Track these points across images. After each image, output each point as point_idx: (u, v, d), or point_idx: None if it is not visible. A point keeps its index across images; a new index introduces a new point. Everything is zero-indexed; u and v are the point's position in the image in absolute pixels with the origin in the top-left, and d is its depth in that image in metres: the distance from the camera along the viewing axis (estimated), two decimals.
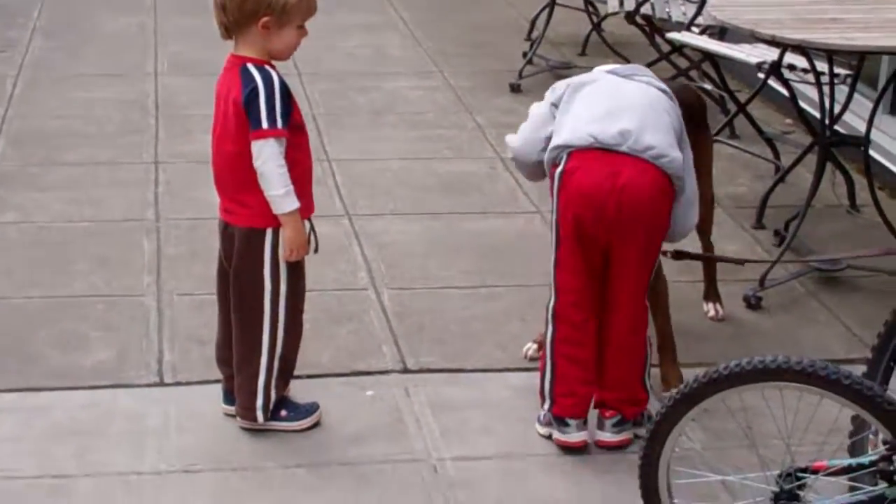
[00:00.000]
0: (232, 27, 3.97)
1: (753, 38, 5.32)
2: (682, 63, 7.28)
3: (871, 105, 6.52)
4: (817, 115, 6.03)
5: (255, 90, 3.91)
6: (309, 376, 4.60)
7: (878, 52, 5.36)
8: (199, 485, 4.01)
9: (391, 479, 4.06)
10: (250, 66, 3.94)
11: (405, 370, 4.71)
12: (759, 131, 6.53)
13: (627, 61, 8.14)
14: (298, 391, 4.45)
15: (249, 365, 4.16)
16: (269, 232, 4.03)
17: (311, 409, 4.30)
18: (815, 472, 3.23)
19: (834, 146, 5.50)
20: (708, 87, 7.26)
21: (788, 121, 7.37)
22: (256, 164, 3.92)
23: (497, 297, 5.25)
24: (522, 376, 4.64)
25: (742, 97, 6.65)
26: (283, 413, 4.25)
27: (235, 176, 4.02)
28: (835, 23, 5.19)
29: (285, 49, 4.01)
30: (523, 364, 4.73)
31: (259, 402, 4.17)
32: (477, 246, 5.71)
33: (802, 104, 5.99)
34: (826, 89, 5.40)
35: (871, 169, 5.57)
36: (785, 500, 3.21)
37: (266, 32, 3.93)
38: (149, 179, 6.33)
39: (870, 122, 5.49)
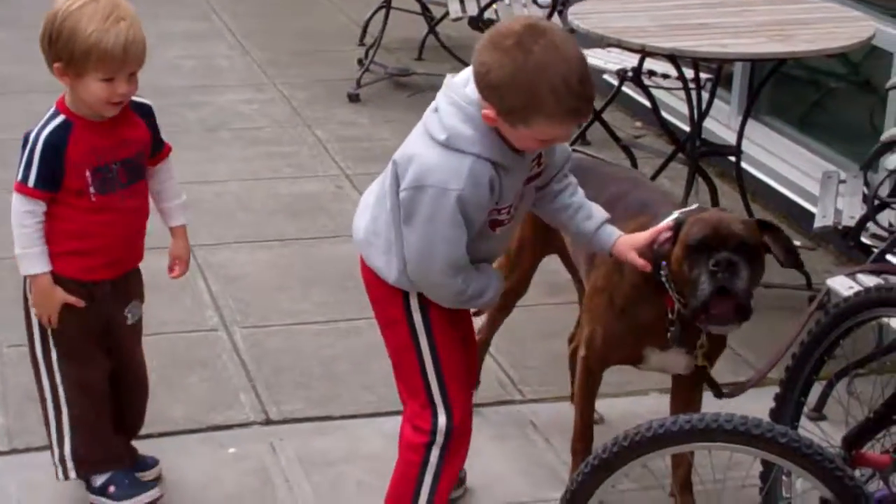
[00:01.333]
0: (47, 63, 3.57)
1: (607, 44, 5.09)
2: None
3: (728, 109, 6.37)
4: (673, 119, 5.87)
5: (26, 138, 3.54)
6: (161, 434, 4.19)
7: (754, 60, 5.12)
8: None
9: None
10: (50, 109, 3.58)
11: (268, 421, 4.32)
12: (616, 138, 6.28)
13: (466, 65, 7.85)
14: (152, 450, 4.03)
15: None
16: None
17: (144, 487, 3.83)
18: None
19: (704, 157, 5.26)
20: None
21: (638, 124, 7.17)
22: None
23: (358, 331, 4.87)
24: (395, 421, 4.27)
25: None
26: (111, 489, 3.79)
27: None
28: (703, 28, 4.95)
29: (92, 101, 3.49)
30: (394, 407, 4.36)
31: (55, 456, 3.77)
32: (331, 274, 5.33)
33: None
34: (693, 97, 5.15)
35: (742, 180, 5.33)
36: None
37: (66, 80, 3.51)
38: None
39: (741, 131, 5.25)
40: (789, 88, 6.33)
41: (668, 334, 3.51)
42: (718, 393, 3.65)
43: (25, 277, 3.62)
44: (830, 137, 6.00)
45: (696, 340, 3.52)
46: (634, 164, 6.20)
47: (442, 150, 3.11)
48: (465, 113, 3.10)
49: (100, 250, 3.62)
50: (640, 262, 3.36)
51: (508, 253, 4.07)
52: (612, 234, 3.39)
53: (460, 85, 3.14)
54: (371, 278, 3.41)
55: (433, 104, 3.20)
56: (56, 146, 3.50)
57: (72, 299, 3.59)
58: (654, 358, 3.64)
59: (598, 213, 3.40)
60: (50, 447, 3.78)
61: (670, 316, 3.48)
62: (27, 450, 4.11)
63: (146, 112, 3.70)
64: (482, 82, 3.03)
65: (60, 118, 3.54)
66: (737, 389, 3.69)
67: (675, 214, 3.46)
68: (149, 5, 9.04)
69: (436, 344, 3.35)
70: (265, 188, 6.21)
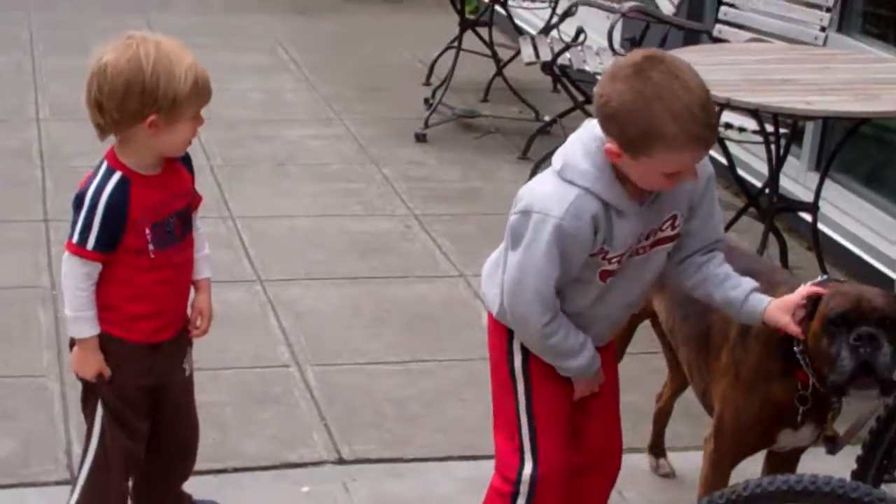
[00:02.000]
0: (110, 128, 3.34)
1: None
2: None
3: (798, 165, 6.36)
4: (742, 173, 5.86)
5: (80, 197, 3.35)
6: (236, 469, 4.21)
7: (841, 118, 5.10)
8: None
9: None
10: (101, 166, 3.36)
11: (340, 460, 4.32)
12: None
13: (534, 109, 7.90)
14: (225, 486, 4.07)
15: None
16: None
17: None
18: None
19: (780, 212, 5.25)
20: None
21: None
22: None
23: (430, 373, 4.89)
24: (468, 465, 4.29)
25: None
26: None
27: None
28: (786, 84, 4.94)
29: (177, 146, 3.39)
30: (467, 451, 4.37)
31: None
32: (401, 314, 5.35)
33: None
34: (773, 151, 5.15)
35: (818, 238, 5.31)
36: None
37: (155, 132, 3.30)
38: (39, 240, 5.84)
39: (819, 188, 5.24)
40: (861, 147, 6.31)
41: (800, 410, 3.42)
42: (832, 450, 3.59)
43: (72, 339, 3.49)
44: None
45: (826, 413, 3.47)
46: None
47: (555, 179, 3.09)
48: (586, 147, 3.08)
49: (164, 311, 3.51)
50: (795, 328, 3.24)
51: None
52: (762, 300, 3.26)
53: (593, 125, 3.11)
54: (489, 321, 3.38)
55: None
56: (119, 206, 3.32)
57: (106, 369, 3.45)
58: (787, 438, 3.54)
59: (747, 282, 3.30)
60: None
61: (801, 391, 3.39)
62: None
63: (187, 160, 3.55)
64: (602, 114, 3.00)
65: (118, 175, 3.33)
66: (839, 444, 3.64)
67: (818, 279, 3.40)
68: (217, 37, 9.19)
69: (532, 391, 3.30)
70: (335, 225, 6.23)
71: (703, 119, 2.96)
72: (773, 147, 5.15)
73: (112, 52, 3.31)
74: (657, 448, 4.39)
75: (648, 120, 2.93)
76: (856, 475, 3.64)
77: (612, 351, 3.52)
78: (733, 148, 5.96)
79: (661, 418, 4.36)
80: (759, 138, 5.57)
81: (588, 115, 7.02)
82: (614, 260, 3.14)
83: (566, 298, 3.20)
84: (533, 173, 6.18)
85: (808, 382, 3.38)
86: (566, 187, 3.06)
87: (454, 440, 4.44)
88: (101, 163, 3.38)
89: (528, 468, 3.31)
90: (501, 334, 3.31)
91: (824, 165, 5.40)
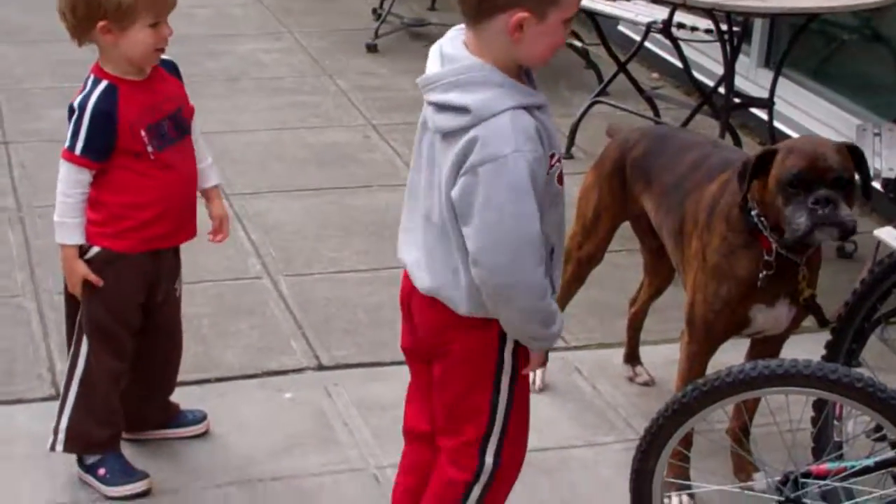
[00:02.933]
0: (75, 33, 3.49)
1: None
2: None
3: (748, 62, 6.46)
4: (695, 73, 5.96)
5: (71, 107, 3.49)
6: (218, 379, 4.30)
7: (794, 14, 5.19)
8: None
9: (333, 493, 3.77)
10: (89, 78, 3.51)
11: (320, 367, 4.42)
12: (639, 89, 6.36)
13: None
14: (209, 395, 4.15)
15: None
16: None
17: (134, 477, 3.72)
18: (820, 476, 3.06)
19: (736, 109, 5.35)
20: (578, 44, 7.11)
21: (655, 75, 7.25)
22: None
23: (399, 280, 4.95)
24: None
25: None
26: (101, 472, 3.72)
27: None
28: None
29: (140, 51, 3.45)
30: None
31: (53, 424, 3.73)
32: (367, 223, 5.43)
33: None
34: (728, 49, 5.24)
35: (774, 133, 5.43)
36: None
37: (111, 38, 3.43)
38: (1, 163, 5.86)
39: (773, 84, 5.35)
40: (809, 43, 6.42)
41: (761, 276, 3.43)
42: (823, 321, 3.59)
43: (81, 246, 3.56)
44: (853, 91, 6.10)
45: (795, 282, 3.48)
46: (657, 115, 6.30)
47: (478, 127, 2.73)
48: (475, 76, 2.74)
49: (164, 215, 3.57)
50: None
51: (584, 220, 4.06)
52: None
53: (452, 52, 2.79)
54: (451, 319, 2.92)
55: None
56: (107, 112, 3.45)
57: (92, 277, 3.53)
58: (760, 317, 3.54)
59: None
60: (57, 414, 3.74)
61: (766, 258, 3.41)
62: None
63: (173, 67, 3.67)
64: None
65: (104, 83, 3.47)
66: (831, 320, 3.67)
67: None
68: None
69: (513, 405, 3.01)
70: (294, 138, 6.28)
71: None
72: (727, 46, 5.23)
73: None
74: (633, 357, 4.42)
75: None
76: (825, 360, 3.77)
77: None
78: (686, 48, 6.05)
79: (637, 324, 4.39)
80: (711, 38, 5.67)
81: None
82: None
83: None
84: None
85: (771, 248, 3.42)
86: (498, 119, 2.72)
87: None
88: (89, 76, 3.50)
89: (489, 460, 3.04)
90: (487, 339, 2.94)
91: (778, 62, 5.49)
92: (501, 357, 2.97)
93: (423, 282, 2.97)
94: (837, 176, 3.32)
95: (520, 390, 3.04)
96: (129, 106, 3.47)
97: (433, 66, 2.84)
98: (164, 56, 3.59)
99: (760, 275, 3.45)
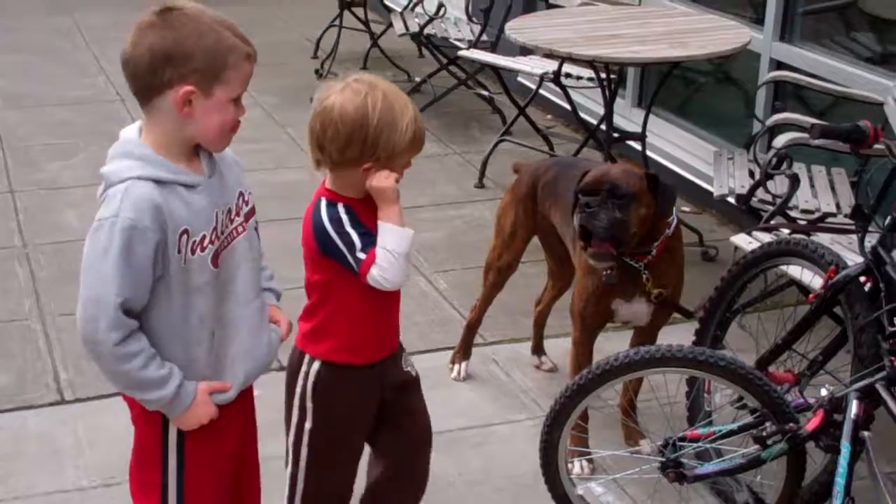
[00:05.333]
0: (327, 167, 2.84)
1: (524, 53, 5.14)
2: (459, 74, 7.13)
3: (623, 103, 6.51)
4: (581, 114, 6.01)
5: (323, 230, 2.87)
6: None
7: (660, 63, 5.24)
8: (123, 498, 3.62)
9: None
10: (322, 203, 2.88)
11: None
12: (536, 129, 6.41)
13: (406, 72, 7.95)
14: None
15: None
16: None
17: None
18: (694, 440, 3.10)
19: (616, 141, 5.39)
20: (485, 93, 7.14)
21: (549, 117, 7.29)
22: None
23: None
24: None
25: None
26: None
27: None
28: (614, 38, 5.07)
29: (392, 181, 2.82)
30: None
31: None
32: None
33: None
34: (607, 93, 5.28)
35: (647, 161, 5.48)
36: (672, 468, 3.07)
37: (365, 175, 2.78)
38: (8, 209, 5.78)
39: (645, 120, 5.40)
40: (674, 86, 6.48)
41: (604, 276, 3.49)
42: (687, 314, 3.68)
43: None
44: (710, 124, 6.17)
45: (643, 283, 3.53)
46: (552, 149, 6.35)
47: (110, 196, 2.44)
48: (117, 155, 2.49)
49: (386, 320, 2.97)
50: None
51: (503, 235, 4.08)
52: None
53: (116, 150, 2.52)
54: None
55: None
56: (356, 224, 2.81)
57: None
58: (622, 310, 3.60)
59: None
60: None
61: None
62: (89, 399, 4.15)
63: None
64: (161, 61, 2.41)
65: (342, 205, 2.83)
66: (696, 312, 3.75)
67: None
68: (110, 14, 9.06)
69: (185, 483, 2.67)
70: (253, 178, 6.13)
71: (240, 33, 2.56)
72: (606, 91, 5.28)
73: (339, 94, 2.78)
74: (539, 349, 4.45)
75: (213, 43, 2.46)
76: (695, 345, 3.81)
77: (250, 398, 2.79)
78: (573, 94, 6.10)
79: (541, 321, 4.42)
80: (593, 84, 5.72)
81: (452, 74, 7.14)
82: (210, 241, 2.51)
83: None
84: None
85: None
86: (116, 187, 2.44)
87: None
88: (319, 200, 2.90)
89: None
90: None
91: (648, 102, 5.55)
92: (166, 434, 2.63)
93: None
94: (610, 189, 3.38)
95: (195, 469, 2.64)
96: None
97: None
98: None
99: (603, 275, 3.51)
